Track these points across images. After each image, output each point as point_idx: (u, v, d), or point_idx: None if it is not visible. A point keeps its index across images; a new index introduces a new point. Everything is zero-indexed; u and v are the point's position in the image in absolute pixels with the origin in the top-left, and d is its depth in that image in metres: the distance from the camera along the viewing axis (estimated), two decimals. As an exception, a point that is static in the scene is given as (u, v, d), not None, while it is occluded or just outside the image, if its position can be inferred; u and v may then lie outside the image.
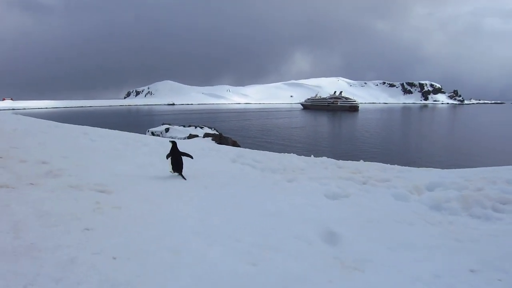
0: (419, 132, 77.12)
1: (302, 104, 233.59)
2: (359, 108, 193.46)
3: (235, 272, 3.26)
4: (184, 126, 57.21)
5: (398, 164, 9.83)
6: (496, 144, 53.65)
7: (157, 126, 59.87)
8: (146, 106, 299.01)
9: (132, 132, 17.74)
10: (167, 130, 54.81)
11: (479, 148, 49.99)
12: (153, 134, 55.37)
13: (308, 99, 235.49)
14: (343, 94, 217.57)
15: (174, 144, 7.37)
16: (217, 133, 53.25)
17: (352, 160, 11.57)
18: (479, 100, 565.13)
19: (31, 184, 5.36)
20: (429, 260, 3.66)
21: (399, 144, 57.01)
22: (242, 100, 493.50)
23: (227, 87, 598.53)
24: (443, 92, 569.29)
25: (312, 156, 11.57)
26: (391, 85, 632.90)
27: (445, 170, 8.72)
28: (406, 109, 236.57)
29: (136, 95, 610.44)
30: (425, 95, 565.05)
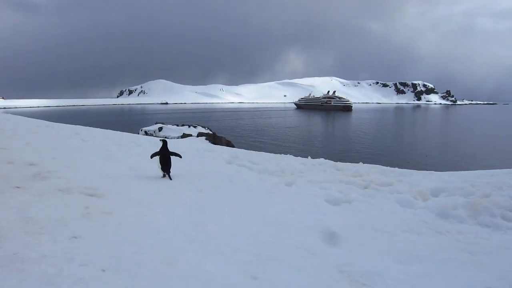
0: (413, 133, 77.35)
1: (295, 104, 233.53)
2: (353, 108, 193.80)
3: (234, 286, 3.03)
4: (177, 125, 56.70)
5: (393, 165, 9.66)
6: (490, 145, 53.93)
7: (151, 125, 59.30)
8: (139, 105, 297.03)
9: (125, 131, 17.44)
10: (160, 129, 54.29)
11: (473, 149, 50.17)
12: (146, 133, 54.85)
13: (302, 98, 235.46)
14: (336, 94, 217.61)
15: (164, 143, 7.30)
16: (210, 132, 52.86)
17: (349, 161, 11.38)
18: (471, 100, 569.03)
19: (17, 187, 5.08)
20: (442, 275, 3.44)
21: (394, 144, 57.06)
22: (236, 99, 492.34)
23: (221, 86, 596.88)
24: (436, 93, 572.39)
25: (309, 157, 11.34)
26: (384, 85, 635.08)
27: (446, 173, 8.54)
28: (399, 109, 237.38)
29: (129, 94, 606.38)
30: (418, 95, 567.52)
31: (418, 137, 67.97)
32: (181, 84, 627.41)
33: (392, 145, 56.30)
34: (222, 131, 61.46)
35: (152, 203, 5.19)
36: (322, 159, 10.69)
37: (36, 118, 20.46)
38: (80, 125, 19.76)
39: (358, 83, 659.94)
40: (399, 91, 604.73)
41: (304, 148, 48.29)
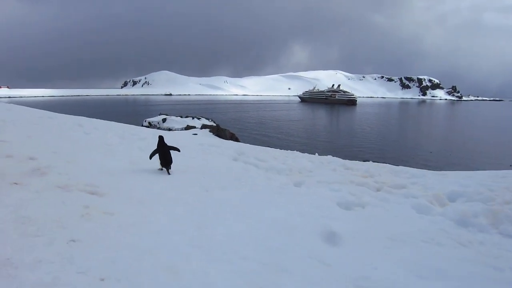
0: (418, 128, 76.72)
1: (299, 97, 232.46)
2: (357, 102, 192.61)
3: (241, 302, 2.80)
4: (181, 117, 56.49)
5: (397, 161, 9.38)
6: (494, 141, 53.37)
7: (154, 116, 59.09)
8: (143, 96, 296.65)
9: (129, 122, 17.20)
10: (164, 120, 54.06)
11: (478, 146, 49.68)
12: (150, 124, 54.68)
13: (306, 91, 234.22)
14: (341, 88, 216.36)
15: (161, 138, 7.13)
16: (214, 124, 52.61)
17: (353, 156, 11.09)
18: (477, 96, 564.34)
19: (15, 183, 4.84)
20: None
21: (398, 139, 56.60)
22: (240, 91, 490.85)
23: (225, 78, 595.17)
24: (442, 88, 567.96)
25: (316, 154, 11.09)
26: (390, 80, 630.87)
27: (460, 173, 8.25)
28: (404, 104, 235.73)
29: (133, 85, 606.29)
30: (423, 91, 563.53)
31: (422, 133, 67.43)
32: (185, 75, 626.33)
33: (396, 140, 55.87)
34: (226, 123, 61.20)
35: (155, 203, 4.95)
36: (330, 156, 10.44)
37: (40, 108, 20.24)
38: (84, 115, 19.54)
39: (363, 77, 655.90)
40: (404, 86, 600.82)
41: (308, 142, 48.00)
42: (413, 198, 5.75)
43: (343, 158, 11.19)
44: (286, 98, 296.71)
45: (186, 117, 57.01)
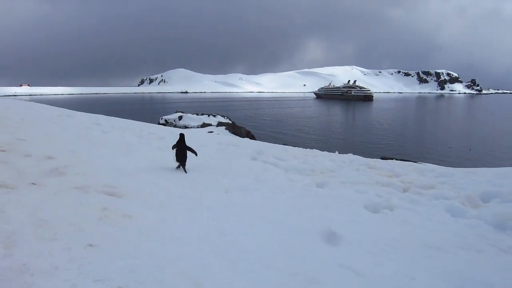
0: (436, 123, 75.26)
1: (315, 93, 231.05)
2: (374, 97, 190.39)
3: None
4: (197, 114, 56.67)
5: (416, 157, 9.00)
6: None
7: (171, 114, 59.43)
8: (160, 94, 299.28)
9: (146, 119, 17.18)
10: (180, 118, 54.31)
11: (499, 140, 48.39)
12: (166, 121, 55.03)
13: (322, 88, 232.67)
14: (357, 83, 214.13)
15: (181, 136, 7.21)
16: (230, 122, 52.59)
17: (373, 154, 10.75)
18: (498, 89, 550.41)
19: (33, 184, 4.75)
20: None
21: (416, 135, 55.60)
22: (255, 88, 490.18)
23: (240, 75, 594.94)
24: (460, 82, 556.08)
25: (336, 152, 10.79)
26: (406, 74, 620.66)
27: (489, 170, 7.84)
28: (421, 99, 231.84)
29: (150, 82, 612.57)
30: (442, 85, 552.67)
31: (441, 128, 66.11)
32: (200, 73, 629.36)
33: (414, 136, 54.92)
34: (241, 120, 61.14)
35: (174, 206, 4.79)
36: (351, 154, 10.12)
37: (59, 106, 20.45)
38: (102, 113, 19.66)
39: (380, 72, 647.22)
40: (422, 80, 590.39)
41: (324, 139, 47.56)
42: (445, 200, 5.41)
43: (360, 155, 10.88)
44: (302, 95, 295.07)
45: (202, 114, 57.17)
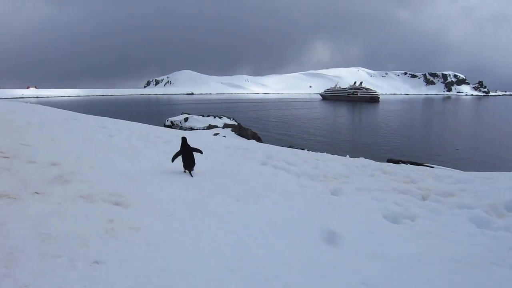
0: (443, 125, 74.68)
1: (321, 95, 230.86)
2: (380, 99, 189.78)
3: None
4: (203, 116, 56.62)
5: (423, 159, 8.71)
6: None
7: (177, 116, 59.44)
8: (166, 95, 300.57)
9: (152, 121, 17.03)
10: (186, 119, 54.29)
11: (506, 142, 47.82)
12: (172, 123, 55.03)
13: (328, 89, 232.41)
14: (363, 85, 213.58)
15: (184, 140, 7.03)
16: (236, 123, 52.43)
17: (380, 157, 10.47)
18: (505, 91, 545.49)
19: (36, 193, 4.56)
20: None
21: (423, 137, 55.13)
22: (261, 90, 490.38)
23: (246, 77, 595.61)
24: (468, 83, 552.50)
25: (347, 156, 10.56)
26: (413, 76, 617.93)
27: (507, 174, 7.53)
28: (428, 101, 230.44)
29: (156, 84, 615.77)
30: (448, 86, 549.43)
31: (448, 130, 65.59)
32: (206, 74, 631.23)
33: (421, 137, 54.47)
34: (247, 122, 61.00)
35: (184, 215, 4.56)
36: (363, 158, 9.86)
37: (66, 108, 20.41)
38: (109, 115, 19.57)
39: (386, 73, 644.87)
40: (429, 82, 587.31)
41: (331, 141, 47.27)
42: (468, 209, 5.10)
43: (367, 157, 10.63)
44: (308, 96, 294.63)
45: (208, 116, 57.11)
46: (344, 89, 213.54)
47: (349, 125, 73.76)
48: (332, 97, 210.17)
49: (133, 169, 6.84)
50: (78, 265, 2.97)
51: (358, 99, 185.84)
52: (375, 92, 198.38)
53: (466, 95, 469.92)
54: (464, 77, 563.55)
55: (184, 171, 7.00)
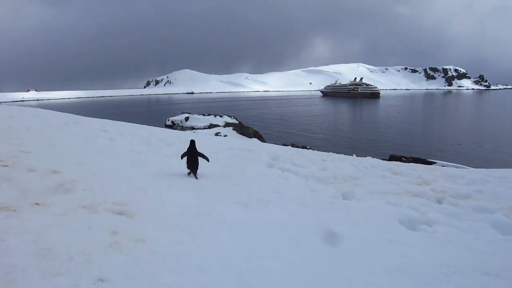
0: (444, 120, 74.41)
1: (321, 91, 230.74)
2: (380, 94, 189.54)
3: None
4: (203, 115, 56.48)
5: (426, 154, 8.49)
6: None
7: (177, 115, 59.30)
8: (166, 95, 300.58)
9: (153, 121, 16.86)
10: (187, 119, 54.16)
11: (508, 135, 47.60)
12: (173, 123, 54.92)
13: (328, 86, 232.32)
14: (363, 81, 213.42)
15: (192, 143, 7.09)
16: (237, 122, 52.28)
17: (383, 153, 10.24)
18: (507, 85, 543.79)
19: (37, 204, 4.36)
20: None
21: (425, 132, 54.95)
22: (261, 88, 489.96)
23: (246, 75, 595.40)
24: (468, 77, 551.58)
25: (354, 155, 10.34)
26: (413, 71, 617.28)
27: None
28: (429, 96, 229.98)
29: (156, 84, 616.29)
30: (449, 81, 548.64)
31: (449, 125, 65.40)
32: (206, 73, 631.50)
33: (423, 133, 54.31)
34: (248, 120, 60.83)
35: (191, 225, 4.35)
36: (370, 158, 9.64)
37: (66, 111, 20.21)
38: (109, 116, 19.36)
39: (386, 69, 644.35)
40: (429, 77, 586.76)
41: (333, 138, 47.12)
42: (488, 214, 4.85)
43: (369, 154, 10.39)
44: (308, 93, 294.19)
45: (209, 115, 56.99)
46: (345, 85, 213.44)
47: (350, 121, 73.55)
48: (333, 93, 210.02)
49: (135, 175, 6.65)
50: (82, 284, 2.79)
51: (358, 95, 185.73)
52: (376, 87, 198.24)
53: (467, 89, 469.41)
54: (465, 71, 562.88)
55: (189, 173, 7.06)
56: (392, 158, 25.86)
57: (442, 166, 18.81)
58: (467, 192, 5.80)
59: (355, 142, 43.98)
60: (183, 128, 48.62)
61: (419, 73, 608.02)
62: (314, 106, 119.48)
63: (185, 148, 7.16)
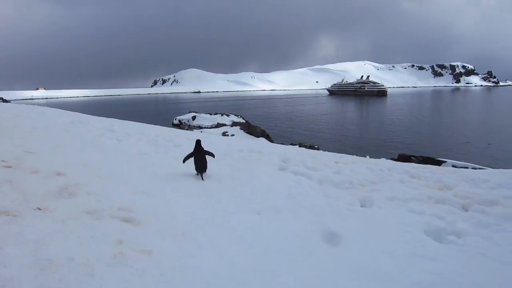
0: (452, 118, 73.57)
1: (328, 90, 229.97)
2: (388, 92, 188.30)
3: None
4: (210, 114, 56.28)
5: (435, 152, 8.12)
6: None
7: (184, 114, 59.20)
8: (173, 94, 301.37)
9: (160, 120, 16.67)
10: (194, 118, 54.00)
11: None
12: (180, 122, 54.84)
13: (334, 84, 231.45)
14: (370, 79, 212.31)
15: (198, 143, 6.90)
16: (244, 121, 52.00)
17: (390, 152, 9.88)
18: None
19: (39, 208, 4.12)
20: None
21: (433, 130, 54.27)
22: (268, 86, 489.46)
23: (252, 73, 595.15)
24: (476, 74, 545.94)
25: (367, 156, 10.02)
26: (421, 68, 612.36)
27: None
28: (436, 93, 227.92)
29: (163, 83, 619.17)
30: (457, 78, 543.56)
31: (458, 122, 64.56)
32: (212, 72, 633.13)
33: (431, 130, 53.68)
34: (255, 119, 60.57)
35: (200, 234, 4.08)
36: (384, 159, 9.30)
37: (74, 109, 20.11)
38: (117, 115, 19.21)
39: (393, 66, 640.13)
40: (437, 74, 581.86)
41: (340, 138, 46.74)
42: (522, 224, 4.51)
43: (377, 153, 10.03)
44: (314, 92, 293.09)
45: (215, 114, 56.80)
46: (351, 83, 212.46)
47: (357, 120, 72.97)
48: (339, 92, 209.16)
49: (142, 178, 6.40)
50: (83, 302, 2.54)
51: (365, 93, 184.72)
52: (383, 85, 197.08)
53: (475, 86, 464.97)
54: (473, 68, 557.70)
55: (196, 174, 6.87)
56: (401, 157, 25.42)
57: (452, 166, 18.40)
58: (493, 197, 5.44)
59: (363, 141, 43.55)
60: (190, 127, 48.50)
61: (426, 70, 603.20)
62: (321, 105, 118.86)
63: (192, 150, 6.92)
